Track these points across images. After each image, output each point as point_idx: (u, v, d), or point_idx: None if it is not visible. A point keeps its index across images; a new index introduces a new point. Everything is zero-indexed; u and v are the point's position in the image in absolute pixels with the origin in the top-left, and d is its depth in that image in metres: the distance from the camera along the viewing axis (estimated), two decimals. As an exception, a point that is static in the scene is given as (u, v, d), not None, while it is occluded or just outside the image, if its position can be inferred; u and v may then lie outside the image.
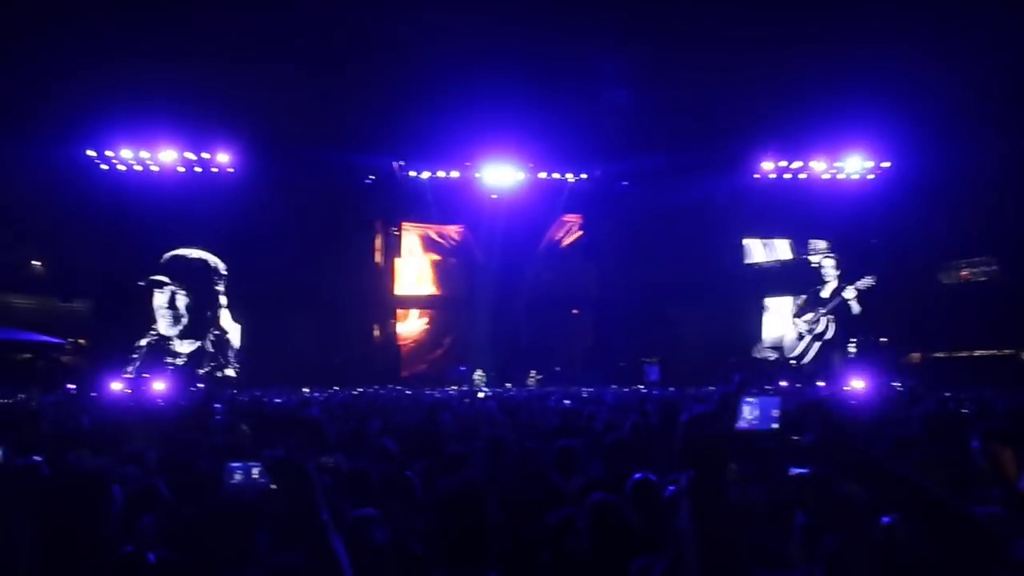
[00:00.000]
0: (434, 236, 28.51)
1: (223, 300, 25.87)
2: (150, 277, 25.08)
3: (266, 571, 2.89)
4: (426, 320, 28.60)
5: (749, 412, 1.44)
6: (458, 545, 2.25)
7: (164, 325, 25.36)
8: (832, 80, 21.05)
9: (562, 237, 28.50)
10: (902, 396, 12.32)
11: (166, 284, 25.23)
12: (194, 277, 25.56)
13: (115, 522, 2.81)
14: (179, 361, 25.22)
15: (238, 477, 2.26)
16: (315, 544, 1.73)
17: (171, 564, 2.84)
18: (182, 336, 25.52)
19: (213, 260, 25.80)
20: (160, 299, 25.28)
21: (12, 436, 6.90)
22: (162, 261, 25.23)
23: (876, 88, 20.82)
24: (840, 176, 26.59)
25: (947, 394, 12.53)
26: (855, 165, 26.17)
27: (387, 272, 28.29)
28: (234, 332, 26.02)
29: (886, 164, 25.90)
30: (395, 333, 28.18)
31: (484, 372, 25.04)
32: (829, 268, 27.12)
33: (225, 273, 25.84)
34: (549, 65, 22.45)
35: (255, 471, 2.23)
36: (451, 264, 28.64)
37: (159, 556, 2.80)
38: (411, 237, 28.56)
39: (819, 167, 26.26)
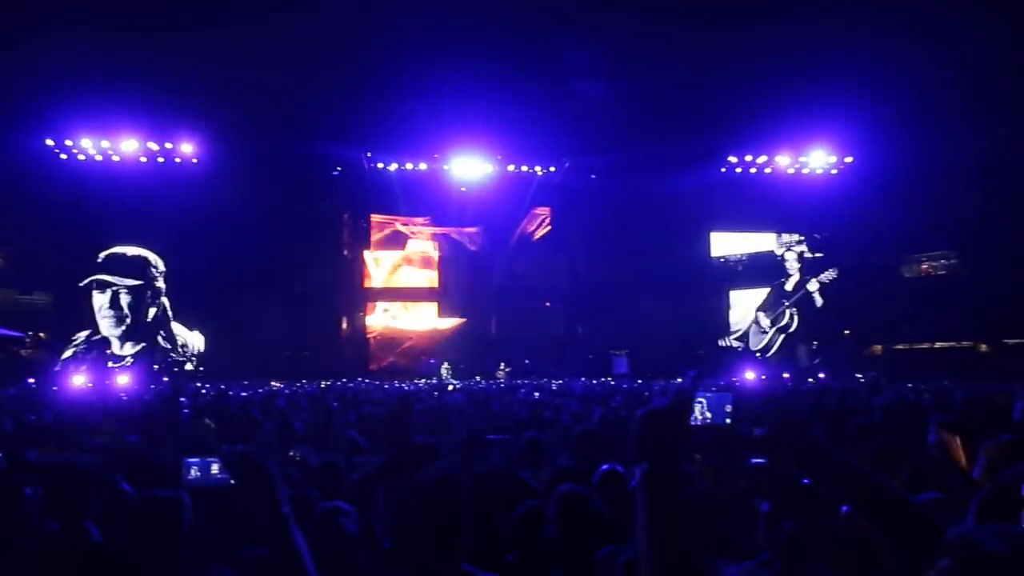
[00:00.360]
0: (402, 229, 28.36)
1: (165, 301, 25.05)
2: (90, 277, 24.14)
3: (232, 565, 2.88)
4: (395, 313, 28.46)
5: (702, 407, 1.47)
6: (433, 538, 2.26)
7: (106, 326, 24.35)
8: (796, 76, 21.32)
9: (533, 230, 28.53)
10: (863, 387, 12.56)
11: (109, 284, 24.27)
12: (135, 275, 24.61)
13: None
14: (125, 364, 24.07)
15: (195, 473, 2.22)
16: (276, 539, 1.73)
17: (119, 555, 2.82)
18: (124, 338, 24.51)
19: (153, 257, 24.92)
20: (101, 300, 24.29)
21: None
22: (99, 261, 24.28)
23: (840, 84, 21.13)
24: (805, 171, 26.97)
25: (908, 385, 12.83)
26: (819, 160, 26.55)
27: (356, 265, 28.11)
28: (182, 329, 25.32)
29: (849, 159, 26.31)
30: (364, 326, 28.00)
31: (451, 366, 25.02)
32: (792, 261, 27.51)
33: (164, 270, 24.99)
34: (518, 58, 22.40)
35: (214, 467, 2.20)
36: (421, 257, 28.54)
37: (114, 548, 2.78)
38: (380, 229, 28.38)
39: (784, 162, 26.62)
